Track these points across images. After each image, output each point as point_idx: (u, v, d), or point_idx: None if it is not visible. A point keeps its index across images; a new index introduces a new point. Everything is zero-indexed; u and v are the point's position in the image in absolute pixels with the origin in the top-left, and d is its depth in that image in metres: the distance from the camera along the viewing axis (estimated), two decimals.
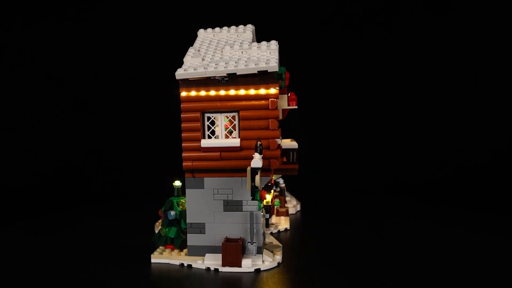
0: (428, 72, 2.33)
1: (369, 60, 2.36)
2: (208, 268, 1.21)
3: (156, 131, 2.37)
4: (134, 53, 2.41)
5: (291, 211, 1.82)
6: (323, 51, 2.32)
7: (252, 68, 1.16)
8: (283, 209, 1.75)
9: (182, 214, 1.33)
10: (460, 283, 1.08)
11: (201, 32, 1.48)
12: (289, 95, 1.28)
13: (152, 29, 2.41)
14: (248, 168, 1.12)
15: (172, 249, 1.31)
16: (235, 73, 1.17)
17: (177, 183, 1.37)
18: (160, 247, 1.33)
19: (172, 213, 1.32)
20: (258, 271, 1.19)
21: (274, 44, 1.28)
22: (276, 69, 1.15)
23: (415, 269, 1.17)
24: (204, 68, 1.17)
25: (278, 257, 1.25)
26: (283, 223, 1.64)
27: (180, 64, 1.29)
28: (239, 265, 1.19)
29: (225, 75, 1.17)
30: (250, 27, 1.46)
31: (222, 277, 1.16)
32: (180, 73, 1.18)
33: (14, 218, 1.84)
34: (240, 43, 1.33)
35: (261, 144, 1.10)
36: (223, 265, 1.19)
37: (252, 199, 1.13)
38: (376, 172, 2.29)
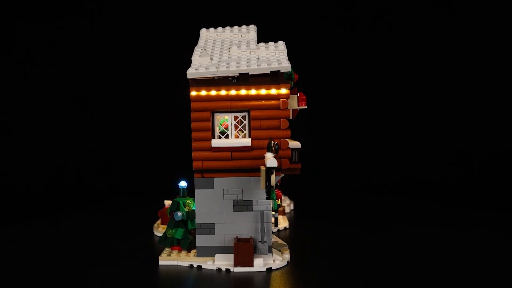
0: (432, 72, 2.35)
1: (372, 59, 2.37)
2: (219, 269, 1.21)
3: (154, 131, 2.36)
4: (132, 53, 2.39)
5: (286, 210, 1.84)
6: (324, 51, 2.33)
7: (265, 68, 1.16)
8: (280, 208, 1.76)
9: (189, 215, 1.32)
10: (462, 282, 1.10)
11: (203, 31, 1.47)
12: (298, 95, 1.29)
13: (149, 29, 2.40)
14: (263, 168, 1.12)
15: (180, 251, 1.29)
16: (248, 73, 1.17)
17: (183, 183, 1.36)
18: (167, 249, 1.31)
19: (179, 214, 1.30)
20: (269, 270, 1.20)
21: (282, 45, 1.29)
22: (289, 70, 1.16)
23: (415, 268, 1.20)
24: (216, 68, 1.17)
25: (287, 256, 1.27)
26: (281, 222, 1.65)
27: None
28: (251, 264, 1.19)
29: (237, 75, 1.17)
30: (253, 27, 1.46)
31: (236, 277, 1.16)
32: (191, 72, 1.17)
33: (17, 219, 1.80)
34: (247, 43, 1.33)
35: (277, 144, 1.11)
36: (235, 265, 1.19)
37: (267, 198, 1.13)
38: (376, 172, 2.32)
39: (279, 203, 1.32)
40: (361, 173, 2.32)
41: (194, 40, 1.62)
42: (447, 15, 2.32)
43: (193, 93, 1.20)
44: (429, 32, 2.34)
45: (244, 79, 1.19)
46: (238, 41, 1.38)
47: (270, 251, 1.22)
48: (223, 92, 1.20)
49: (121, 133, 2.40)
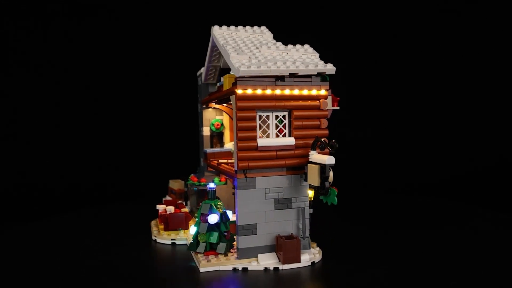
0: (445, 74, 2.44)
1: (390, 60, 2.43)
2: (266, 268, 1.20)
3: (148, 132, 2.35)
4: (126, 53, 2.39)
5: None
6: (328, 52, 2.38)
7: (312, 70, 1.20)
8: None
9: (222, 217, 1.27)
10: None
11: (216, 29, 1.43)
12: (331, 96, 1.35)
13: (142, 29, 2.41)
14: (314, 166, 1.16)
15: (216, 255, 1.24)
16: (295, 74, 1.20)
17: (212, 185, 1.30)
18: (200, 255, 1.24)
19: (215, 217, 1.25)
20: (313, 264, 1.24)
21: (310, 48, 1.34)
22: (333, 72, 1.23)
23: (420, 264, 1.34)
24: (267, 67, 1.16)
25: (318, 249, 1.32)
26: None
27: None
28: (298, 260, 1.21)
29: (287, 74, 1.19)
30: (265, 28, 1.48)
31: (289, 274, 1.17)
32: (244, 70, 1.14)
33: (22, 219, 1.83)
34: (274, 44, 1.35)
35: (335, 141, 1.16)
36: (284, 262, 1.20)
37: (323, 194, 1.17)
38: (384, 173, 2.42)
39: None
40: (370, 173, 2.40)
41: (190, 38, 1.57)
42: (454, 17, 2.42)
43: (239, 91, 1.18)
44: (426, 32, 2.43)
45: (288, 79, 1.21)
46: (260, 42, 1.38)
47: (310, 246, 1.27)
48: (268, 92, 1.20)
49: (117, 134, 2.40)
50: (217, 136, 1.75)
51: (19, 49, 2.34)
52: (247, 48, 1.31)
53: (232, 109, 1.63)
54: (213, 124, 1.72)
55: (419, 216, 1.79)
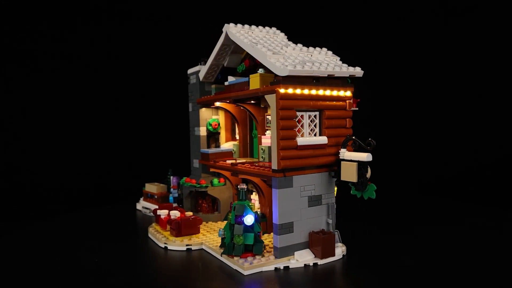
0: (446, 75, 2.41)
1: (389, 61, 2.42)
2: (305, 265, 1.22)
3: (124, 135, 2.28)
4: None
5: None
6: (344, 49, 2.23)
7: (345, 72, 1.26)
8: None
9: (256, 217, 1.25)
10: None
11: (231, 27, 1.40)
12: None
13: (130, 30, 2.38)
14: (350, 164, 1.22)
15: (253, 257, 1.22)
16: (333, 75, 1.24)
17: (243, 185, 1.27)
18: (238, 258, 1.21)
19: (252, 217, 1.22)
20: (343, 256, 1.30)
21: (329, 51, 1.40)
22: (361, 75, 1.30)
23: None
24: (310, 67, 1.19)
25: (342, 243, 1.39)
26: None
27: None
28: (333, 254, 1.26)
29: (326, 75, 1.23)
30: (276, 29, 1.50)
31: (328, 268, 1.21)
32: (291, 69, 1.14)
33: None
34: (296, 45, 1.37)
35: (371, 140, 1.22)
36: (322, 257, 1.23)
37: (360, 190, 1.22)
38: (384, 173, 2.35)
39: None
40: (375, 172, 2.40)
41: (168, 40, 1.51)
42: (463, 19, 2.35)
43: (282, 90, 1.18)
44: (428, 31, 2.40)
45: (322, 81, 1.25)
46: (279, 43, 1.40)
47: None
48: (305, 91, 1.22)
49: (100, 136, 2.38)
50: (213, 136, 1.70)
51: (16, 50, 2.33)
52: (273, 48, 1.31)
53: (242, 108, 1.60)
54: (210, 124, 1.66)
55: (424, 214, 1.81)
